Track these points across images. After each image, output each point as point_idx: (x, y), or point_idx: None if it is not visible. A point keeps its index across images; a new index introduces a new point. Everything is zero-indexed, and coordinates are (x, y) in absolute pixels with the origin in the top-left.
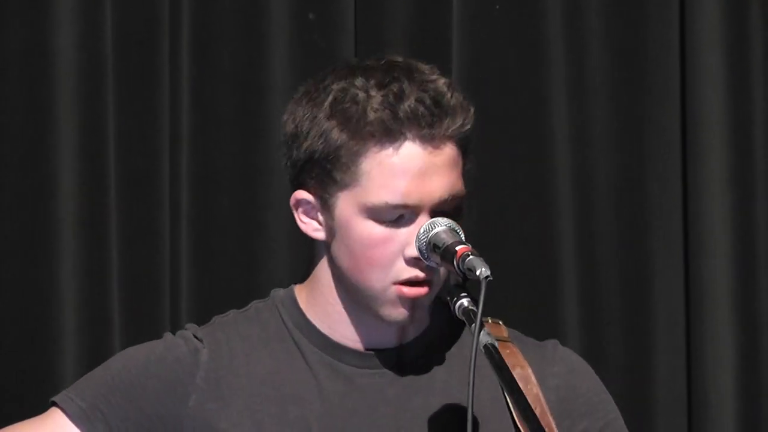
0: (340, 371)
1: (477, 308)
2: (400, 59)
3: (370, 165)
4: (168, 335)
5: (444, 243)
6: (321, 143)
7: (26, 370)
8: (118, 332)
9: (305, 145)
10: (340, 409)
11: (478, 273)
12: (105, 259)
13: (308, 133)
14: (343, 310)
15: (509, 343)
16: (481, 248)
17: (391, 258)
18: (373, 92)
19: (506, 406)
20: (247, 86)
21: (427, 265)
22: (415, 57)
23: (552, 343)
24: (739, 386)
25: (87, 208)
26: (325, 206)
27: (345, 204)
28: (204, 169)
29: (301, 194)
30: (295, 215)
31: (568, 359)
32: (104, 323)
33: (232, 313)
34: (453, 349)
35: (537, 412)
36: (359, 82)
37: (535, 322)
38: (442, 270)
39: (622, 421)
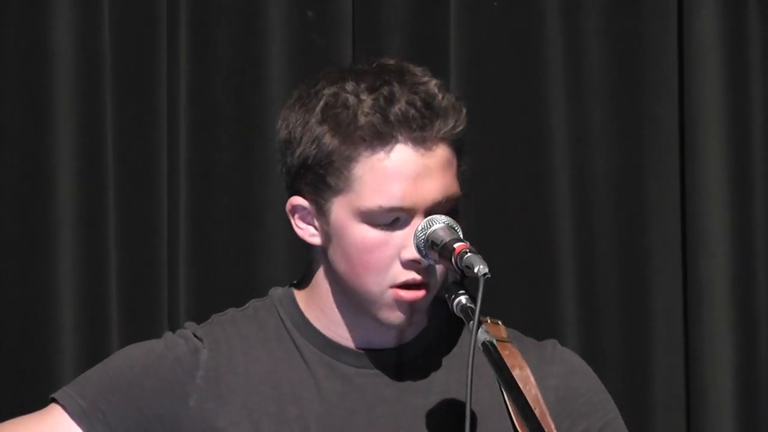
0: (339, 371)
1: (475, 306)
2: (392, 62)
3: (363, 169)
4: (168, 334)
5: (442, 240)
6: (314, 149)
7: (25, 369)
8: (117, 331)
9: (298, 151)
10: (338, 408)
11: (476, 270)
12: (103, 257)
13: (301, 138)
14: (342, 313)
15: (508, 344)
16: (479, 246)
17: (387, 262)
18: (363, 96)
19: (505, 405)
20: (245, 84)
21: (424, 268)
22: (413, 55)
23: (551, 343)
24: (737, 385)
25: (85, 207)
26: (321, 212)
27: (339, 209)
28: (202, 167)
29: (297, 200)
30: (292, 221)
31: (567, 359)
32: (103, 322)
33: (230, 311)
34: (452, 348)
35: (536, 413)
36: (350, 86)
37: (533, 320)
38: (440, 272)
39: (622, 421)
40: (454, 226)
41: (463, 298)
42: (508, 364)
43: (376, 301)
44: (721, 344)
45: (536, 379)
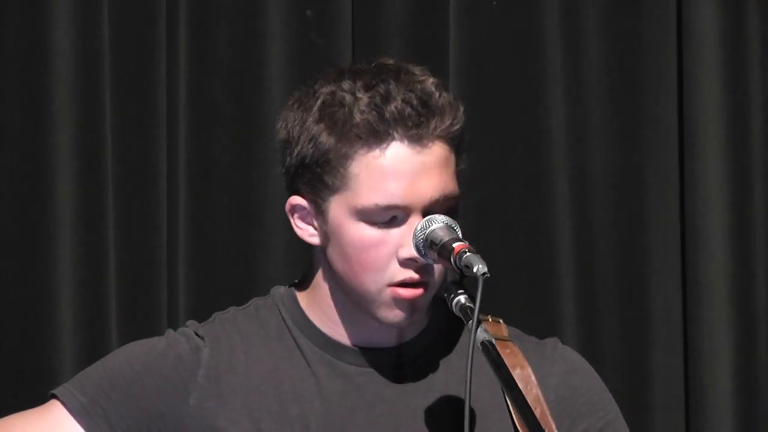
0: (340, 370)
1: (474, 305)
2: (391, 62)
3: (359, 167)
4: (170, 332)
5: (441, 240)
6: (311, 148)
7: (24, 368)
8: (116, 330)
9: (296, 150)
10: (339, 407)
11: (475, 270)
12: (102, 256)
13: (299, 138)
14: (342, 313)
15: (509, 343)
16: (478, 246)
17: (385, 260)
18: (360, 94)
19: (506, 404)
20: (244, 84)
21: (422, 266)
22: (412, 55)
23: (552, 342)
24: (736, 384)
25: (85, 207)
26: (319, 211)
27: (337, 208)
28: (201, 167)
29: (296, 200)
30: (291, 221)
31: (568, 358)
32: (102, 321)
33: (232, 310)
34: (452, 348)
35: (537, 413)
36: (346, 85)
37: (532, 319)
38: (438, 271)
39: (623, 421)
40: (453, 225)
41: (462, 298)
42: (509, 364)
43: (374, 300)
44: (721, 344)
45: (537, 378)
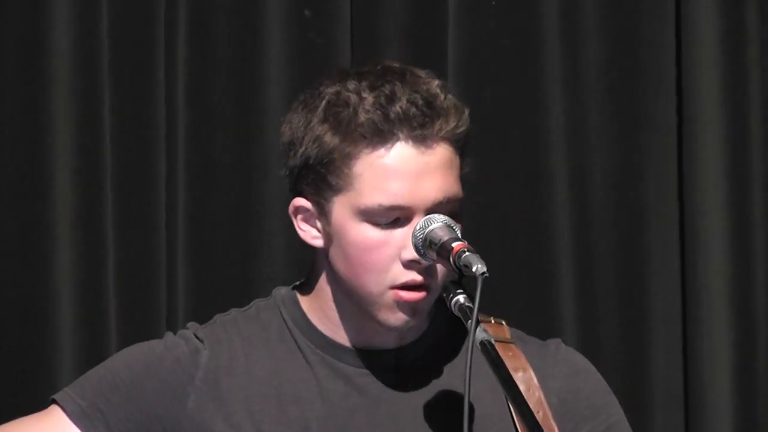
0: (341, 371)
1: (473, 305)
2: (396, 64)
3: (363, 167)
4: (169, 334)
5: (440, 239)
6: (315, 148)
7: (23, 367)
8: (115, 330)
9: (300, 151)
10: (339, 409)
11: (474, 270)
12: (101, 255)
13: (303, 138)
14: (343, 315)
15: (512, 345)
16: (478, 246)
17: (387, 261)
18: (365, 94)
19: (507, 406)
20: (243, 83)
21: (425, 268)
22: (411, 55)
23: (555, 343)
24: (736, 384)
25: (83, 207)
26: (322, 212)
27: (340, 208)
28: (200, 166)
29: (299, 201)
30: (294, 223)
31: (570, 360)
32: (101, 321)
33: (233, 311)
34: (453, 349)
35: (539, 416)
36: (352, 85)
37: (532, 319)
38: (441, 274)
39: (627, 423)
40: (453, 225)
41: (461, 298)
42: (512, 367)
43: (376, 303)
44: (720, 343)
45: (539, 380)
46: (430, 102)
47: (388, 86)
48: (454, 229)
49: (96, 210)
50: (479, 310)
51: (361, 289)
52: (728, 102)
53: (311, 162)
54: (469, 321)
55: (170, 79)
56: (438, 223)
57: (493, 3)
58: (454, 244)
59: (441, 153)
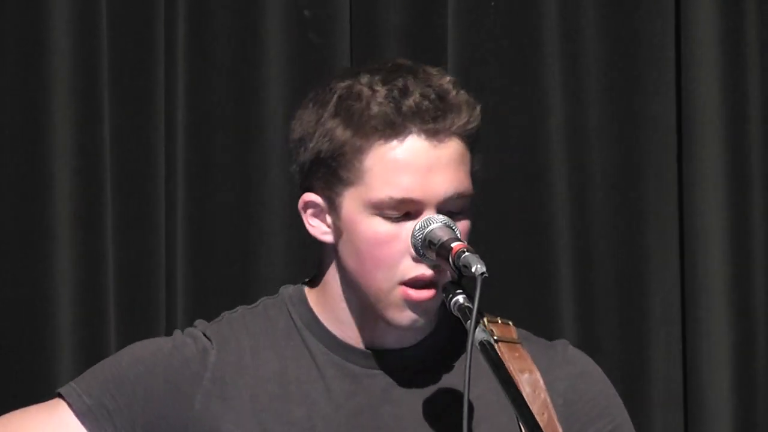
0: (348, 371)
1: (472, 305)
2: (408, 61)
3: (374, 160)
4: (177, 333)
5: (439, 240)
6: (326, 142)
7: (23, 368)
8: (115, 330)
9: (311, 146)
10: (345, 408)
11: (473, 270)
12: (101, 255)
13: (314, 134)
14: (351, 313)
15: (518, 346)
16: (477, 245)
17: (397, 256)
18: (377, 87)
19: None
20: (242, 83)
21: (435, 264)
22: (411, 55)
23: (562, 344)
24: (735, 384)
25: (83, 207)
26: (332, 206)
27: (351, 202)
28: (200, 165)
29: (309, 196)
30: (303, 219)
31: (577, 361)
32: (101, 321)
33: (240, 309)
34: (459, 350)
35: (545, 418)
36: (365, 79)
37: (531, 319)
38: (449, 274)
39: (631, 425)
40: (452, 225)
41: (460, 298)
42: (518, 368)
43: (384, 300)
44: (719, 343)
45: (545, 382)
46: (442, 96)
47: (401, 80)
48: (453, 229)
49: (96, 210)
50: (480, 310)
51: (370, 285)
52: (728, 102)
53: (322, 156)
54: (469, 321)
55: (170, 79)
56: (437, 223)
57: (493, 3)
58: (453, 245)
59: (453, 147)
